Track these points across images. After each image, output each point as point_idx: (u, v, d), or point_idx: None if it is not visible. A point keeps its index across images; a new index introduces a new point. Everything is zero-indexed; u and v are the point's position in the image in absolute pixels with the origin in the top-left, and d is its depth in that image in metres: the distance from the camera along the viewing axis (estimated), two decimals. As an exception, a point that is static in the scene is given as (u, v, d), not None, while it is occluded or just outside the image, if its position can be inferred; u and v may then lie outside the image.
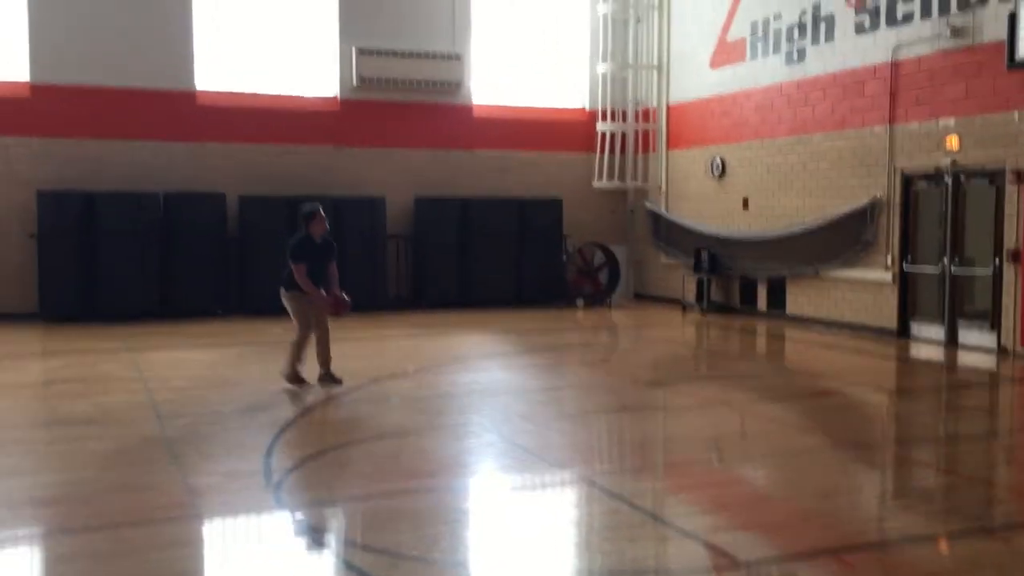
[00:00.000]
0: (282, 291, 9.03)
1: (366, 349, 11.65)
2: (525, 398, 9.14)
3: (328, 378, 9.02)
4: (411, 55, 16.66)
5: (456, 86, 17.07)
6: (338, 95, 16.66)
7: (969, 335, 11.83)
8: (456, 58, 16.98)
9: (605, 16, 17.86)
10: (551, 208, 17.48)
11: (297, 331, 9.01)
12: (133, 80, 15.30)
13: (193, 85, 15.76)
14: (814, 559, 4.77)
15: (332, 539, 5.23)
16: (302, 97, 16.58)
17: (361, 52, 16.37)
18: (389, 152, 16.91)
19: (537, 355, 11.72)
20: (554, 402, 8.96)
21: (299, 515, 5.56)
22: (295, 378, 8.99)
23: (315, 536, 5.25)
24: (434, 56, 16.81)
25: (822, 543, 5.00)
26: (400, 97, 16.84)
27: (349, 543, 5.12)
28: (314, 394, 8.79)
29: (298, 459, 6.68)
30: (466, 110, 17.42)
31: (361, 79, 16.43)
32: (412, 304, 16.63)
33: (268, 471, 6.29)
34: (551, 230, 17.41)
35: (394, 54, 16.56)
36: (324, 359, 9.08)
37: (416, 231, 16.85)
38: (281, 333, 12.85)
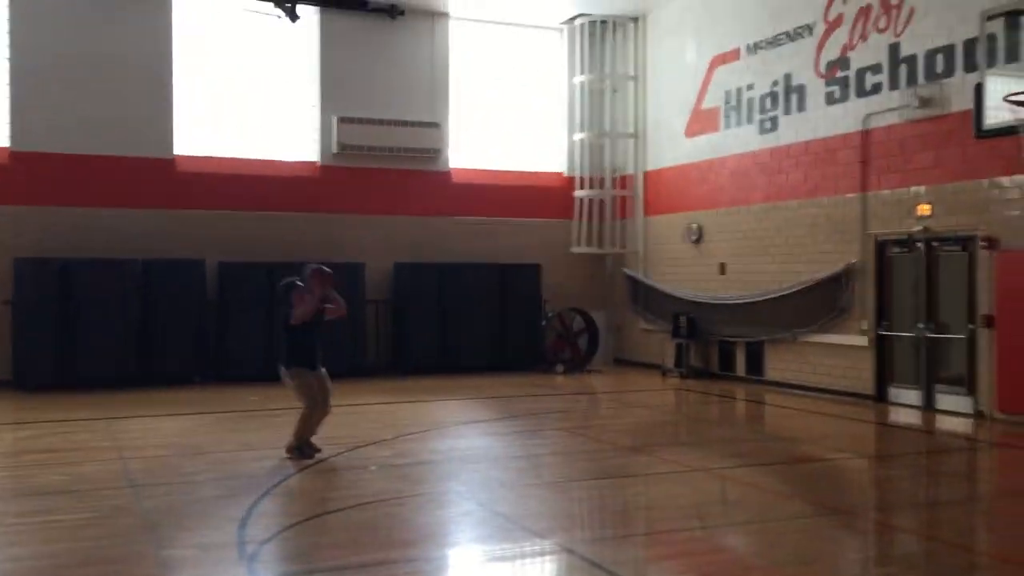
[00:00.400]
0: (282, 370, 8.80)
1: (344, 416, 11.54)
2: (505, 465, 9.07)
3: (301, 451, 8.84)
4: (390, 123, 16.88)
5: (435, 153, 17.27)
6: (318, 161, 16.81)
7: (946, 400, 11.89)
8: (435, 126, 17.22)
9: (582, 85, 18.21)
10: (530, 273, 17.57)
11: (305, 406, 8.85)
12: (112, 147, 15.38)
13: (172, 151, 15.85)
14: (797, 629, 4.71)
15: (308, 613, 5.13)
16: (282, 163, 16.71)
17: (342, 120, 16.57)
18: (369, 218, 17.01)
19: (517, 421, 11.66)
20: (534, 469, 8.89)
21: (274, 588, 5.45)
22: (304, 451, 8.79)
23: (291, 610, 5.14)
24: (413, 124, 17.03)
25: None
26: (380, 164, 17.01)
27: (325, 617, 5.02)
28: (293, 464, 8.68)
29: (274, 529, 6.57)
30: (445, 176, 17.60)
31: (341, 146, 16.60)
32: (391, 370, 16.55)
33: (243, 542, 6.17)
34: (530, 295, 17.47)
35: (374, 122, 16.77)
36: (311, 433, 8.94)
37: (396, 296, 16.87)
38: (258, 401, 12.77)
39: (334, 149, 16.66)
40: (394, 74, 17.18)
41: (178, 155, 15.95)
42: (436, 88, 17.44)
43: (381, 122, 16.84)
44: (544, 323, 17.41)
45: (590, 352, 17.62)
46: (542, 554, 6.21)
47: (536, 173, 18.46)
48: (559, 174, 18.57)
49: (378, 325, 16.72)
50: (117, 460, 8.79)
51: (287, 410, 9.30)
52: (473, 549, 6.40)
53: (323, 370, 8.97)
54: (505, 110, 18.32)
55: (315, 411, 8.84)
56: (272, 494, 7.59)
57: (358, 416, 11.78)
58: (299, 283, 8.88)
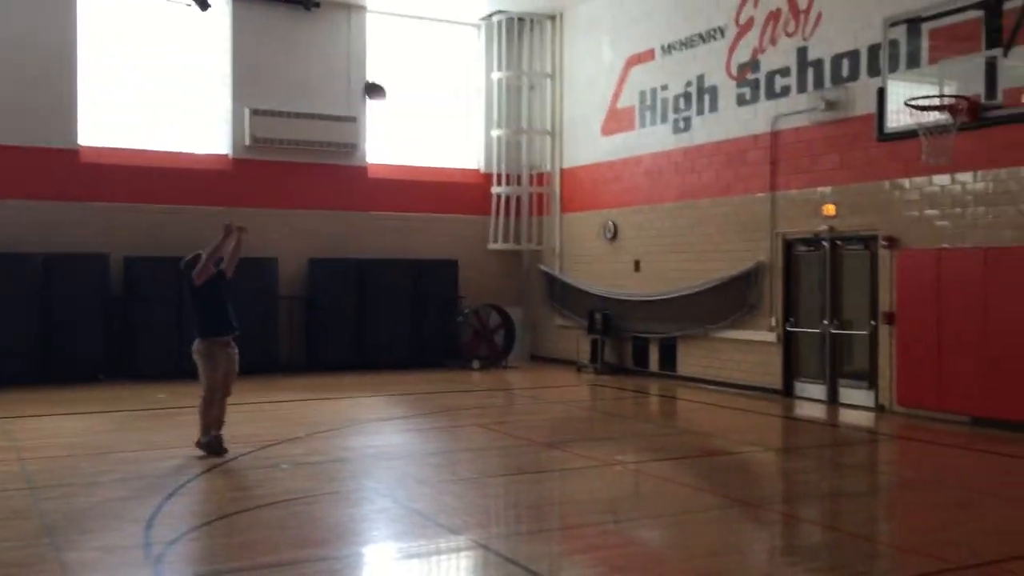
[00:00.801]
0: (196, 343, 8.72)
1: (255, 414, 11.33)
2: (420, 462, 9.02)
3: (214, 444, 8.70)
4: (305, 116, 16.61)
5: (351, 148, 17.07)
6: (230, 154, 16.44)
7: (849, 394, 12.29)
8: (351, 120, 17.01)
9: (499, 82, 18.23)
10: (447, 270, 17.52)
11: (204, 390, 8.71)
12: (13, 136, 14.77)
13: (76, 142, 15.30)
14: (707, 619, 4.80)
15: (216, 615, 5.01)
16: (192, 155, 16.30)
17: (255, 112, 16.24)
18: (283, 213, 16.72)
19: (433, 418, 11.62)
20: (450, 465, 8.87)
21: (181, 590, 5.31)
22: (212, 445, 8.63)
23: (198, 612, 5.01)
24: (329, 118, 16.80)
25: (714, 603, 5.05)
26: (294, 158, 16.73)
27: (234, 619, 4.92)
28: (201, 463, 8.48)
29: (181, 530, 6.39)
30: (361, 171, 17.41)
31: (254, 139, 16.27)
32: (306, 367, 16.31)
33: (148, 544, 6.00)
34: (447, 292, 17.43)
35: (288, 115, 16.48)
36: (218, 422, 8.79)
37: (310, 293, 16.62)
38: (165, 399, 12.43)
39: (247, 142, 16.32)
40: (309, 67, 16.91)
41: (83, 146, 15.41)
42: (352, 82, 17.23)
43: (296, 115, 16.55)
44: (461, 319, 17.38)
45: (506, 348, 17.66)
46: (457, 550, 6.19)
47: (453, 169, 18.41)
48: (476, 171, 18.55)
49: (292, 321, 16.45)
50: (15, 461, 8.45)
51: (195, 408, 9.07)
52: (387, 546, 6.35)
53: (235, 350, 8.82)
54: (423, 106, 18.22)
55: (215, 395, 8.69)
56: (179, 494, 7.39)
57: (270, 414, 11.58)
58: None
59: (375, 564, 6.03)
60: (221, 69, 16.48)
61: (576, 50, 17.74)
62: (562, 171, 18.07)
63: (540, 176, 18.41)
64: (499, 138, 18.26)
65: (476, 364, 17.10)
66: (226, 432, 8.91)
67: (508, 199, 18.28)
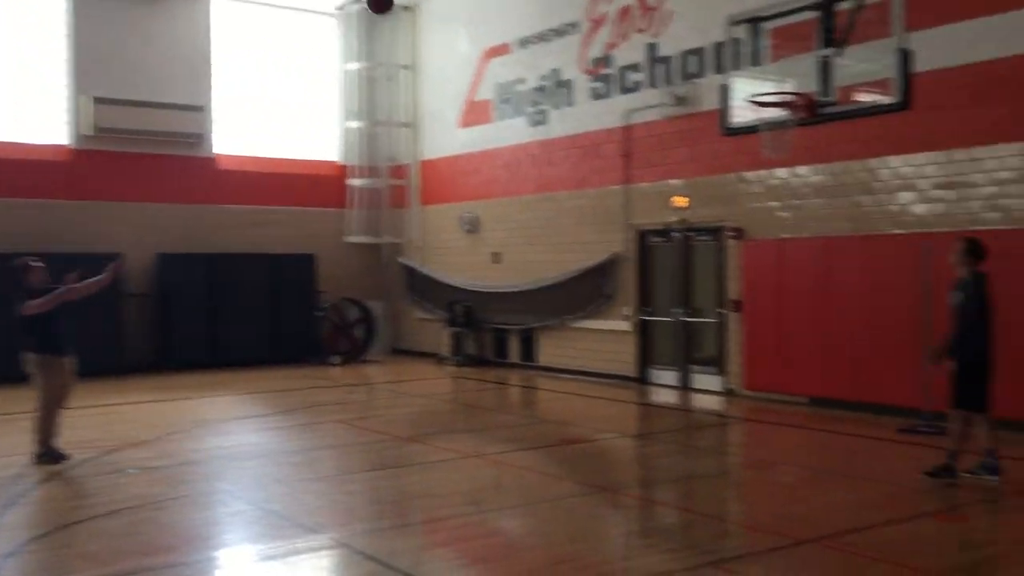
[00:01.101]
0: (31, 356, 8.21)
1: (100, 418, 10.79)
2: (278, 461, 8.81)
3: (50, 455, 8.21)
4: (150, 105, 15.89)
5: (198, 138, 16.46)
6: (70, 144, 15.56)
7: (700, 379, 12.76)
8: (198, 109, 16.40)
9: (356, 73, 17.97)
10: (304, 264, 17.16)
11: (40, 403, 8.19)
12: None
13: None
14: (566, 605, 4.88)
15: (57, 632, 4.74)
16: (28, 146, 15.33)
17: (98, 101, 15.41)
18: (127, 205, 15.96)
19: (291, 415, 11.36)
20: (309, 464, 8.69)
21: (17, 608, 4.99)
22: (53, 455, 8.14)
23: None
24: (175, 107, 16.12)
25: (573, 588, 5.15)
26: (139, 148, 16.00)
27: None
28: (39, 471, 8.00)
29: (18, 542, 6.01)
30: (210, 163, 16.81)
31: (97, 129, 15.45)
32: (156, 366, 15.65)
33: None
34: (304, 286, 17.07)
35: (132, 103, 15.72)
36: (53, 433, 8.31)
37: (159, 289, 15.94)
38: None
39: (89, 132, 15.48)
40: (153, 53, 16.18)
41: (-100, 133, 14.27)
42: (199, 70, 16.60)
43: (140, 104, 15.81)
44: (319, 314, 17.06)
45: (367, 342, 17.46)
46: (316, 550, 6.07)
47: (310, 161, 18.03)
48: (333, 163, 18.23)
49: (140, 319, 15.74)
50: None
51: (28, 413, 8.55)
52: (242, 549, 6.17)
53: (69, 360, 8.39)
54: (278, 96, 17.74)
55: (52, 408, 8.24)
56: (16, 504, 6.96)
57: (116, 417, 11.04)
58: (32, 264, 8.49)
59: (228, 569, 5.85)
60: (59, 55, 15.55)
61: (433, 42, 17.68)
62: (421, 163, 17.99)
63: (399, 168, 18.27)
64: (356, 130, 18.00)
65: (336, 359, 16.83)
66: (69, 436, 8.44)
67: (366, 191, 18.06)
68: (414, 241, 18.00)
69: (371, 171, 18.11)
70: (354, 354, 17.19)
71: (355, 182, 18.00)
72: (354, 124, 18.00)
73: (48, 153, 15.47)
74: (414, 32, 18.04)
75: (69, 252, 14.48)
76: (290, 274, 16.91)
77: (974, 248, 7.45)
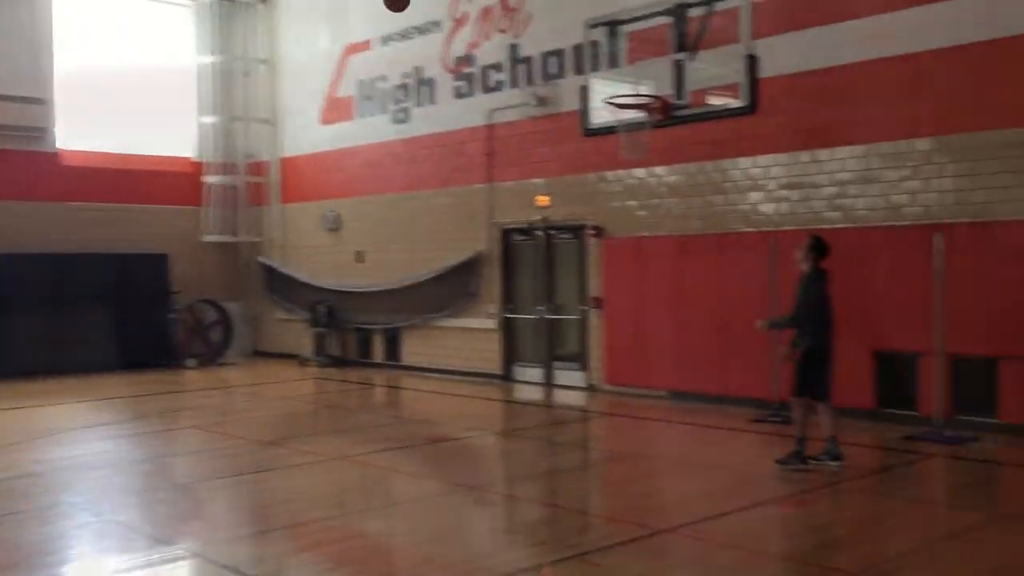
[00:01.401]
0: None
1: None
2: (129, 470, 8.42)
3: None
4: (-14, 96, 14.92)
5: (40, 132, 15.55)
6: None
7: (563, 375, 12.96)
8: (40, 102, 15.48)
9: (212, 66, 17.38)
10: (157, 264, 16.48)
11: None
12: None
13: None
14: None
15: None
16: None
17: (-76, 90, 14.35)
18: (-40, 203, 14.92)
19: (143, 422, 10.88)
20: (162, 472, 8.35)
21: None
22: None
23: None
24: (14, 99, 15.16)
25: (437, 588, 5.13)
26: (-27, 142, 14.99)
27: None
28: None
29: None
30: (53, 158, 15.91)
31: (-77, 120, 14.39)
32: (-8, 374, 14.68)
33: None
34: (157, 287, 16.39)
35: (-35, 94, 14.72)
36: None
37: (-4, 291, 14.97)
38: None
39: (-87, 122, 14.39)
40: (-11, 41, 15.19)
41: None
42: (41, 61, 15.67)
43: (-26, 94, 14.82)
44: (173, 316, 16.41)
45: (224, 345, 16.93)
46: (169, 562, 5.82)
47: (163, 157, 17.30)
48: (188, 159, 17.57)
49: (-25, 324, 14.74)
50: None
51: None
52: (88, 565, 5.86)
53: None
54: (129, 90, 16.91)
55: None
56: None
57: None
58: None
59: (76, 585, 5.55)
60: None
61: (292, 36, 17.29)
62: (281, 160, 17.56)
63: (258, 165, 17.78)
64: (212, 125, 17.42)
65: (192, 363, 16.24)
66: None
67: (223, 189, 17.50)
68: (274, 240, 17.56)
69: (228, 168, 17.56)
70: (211, 357, 16.63)
71: (211, 179, 17.41)
72: (209, 119, 17.41)
73: None
74: (272, 26, 17.59)
75: None
76: (141, 275, 16.21)
77: (818, 246, 7.87)
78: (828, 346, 7.75)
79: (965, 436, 8.76)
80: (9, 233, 15.28)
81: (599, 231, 12.36)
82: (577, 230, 12.72)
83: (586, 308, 12.57)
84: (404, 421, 11.55)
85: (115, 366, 15.50)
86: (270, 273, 17.51)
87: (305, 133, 16.97)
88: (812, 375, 7.69)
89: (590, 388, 12.49)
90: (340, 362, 15.98)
